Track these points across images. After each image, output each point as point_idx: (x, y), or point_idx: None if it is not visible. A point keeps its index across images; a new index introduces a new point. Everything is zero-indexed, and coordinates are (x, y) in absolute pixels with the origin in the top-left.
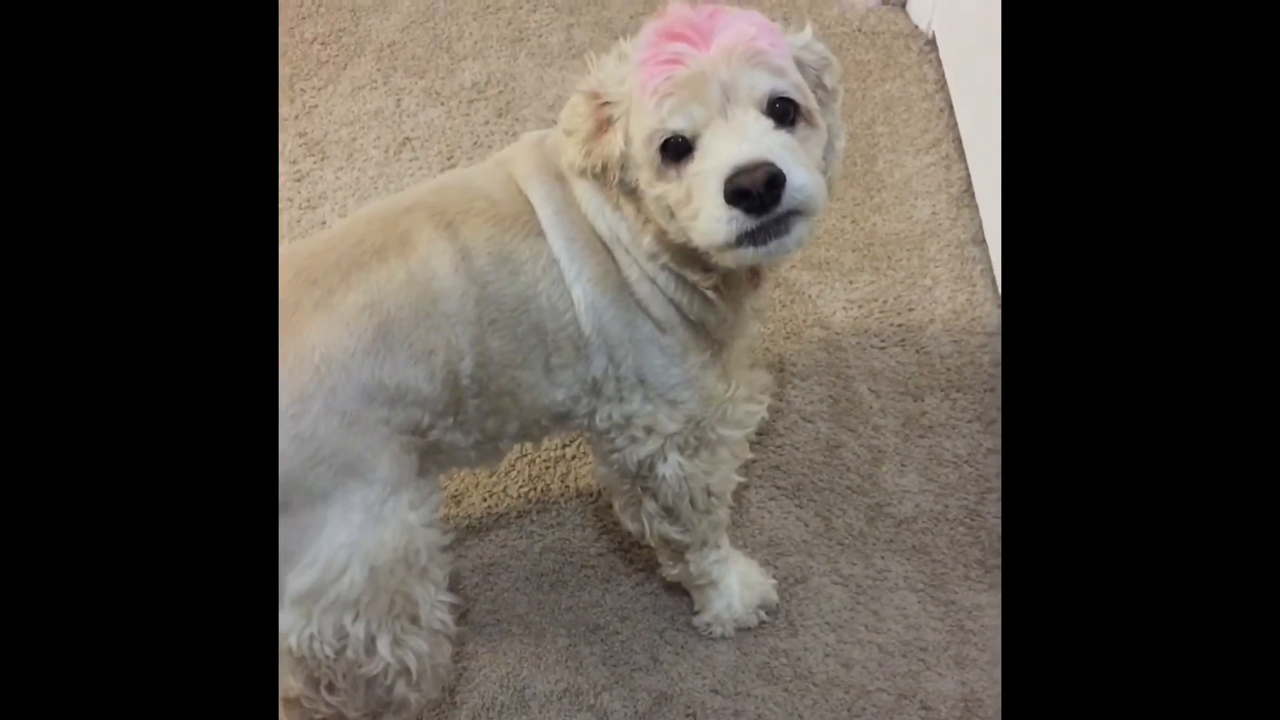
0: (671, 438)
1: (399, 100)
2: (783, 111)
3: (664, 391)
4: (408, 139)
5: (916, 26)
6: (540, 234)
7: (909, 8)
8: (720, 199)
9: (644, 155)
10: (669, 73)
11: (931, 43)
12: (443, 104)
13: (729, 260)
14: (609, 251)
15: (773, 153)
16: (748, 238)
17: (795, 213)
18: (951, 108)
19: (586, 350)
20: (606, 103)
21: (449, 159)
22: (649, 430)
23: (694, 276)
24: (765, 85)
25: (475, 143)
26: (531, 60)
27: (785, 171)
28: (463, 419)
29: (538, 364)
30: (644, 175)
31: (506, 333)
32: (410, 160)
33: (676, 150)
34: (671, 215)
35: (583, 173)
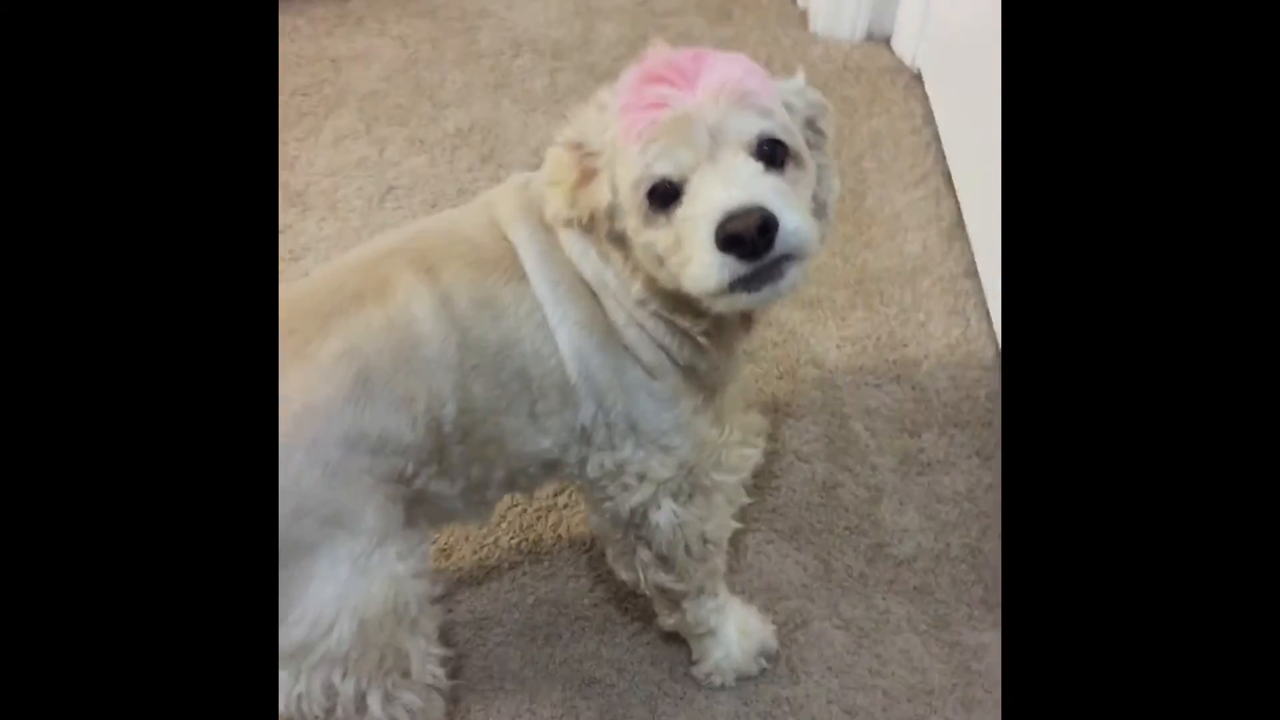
0: (664, 484)
1: (382, 149)
2: (771, 153)
3: (656, 437)
4: (391, 188)
5: (901, 61)
6: (524, 278)
7: (893, 43)
8: (711, 245)
9: (631, 202)
10: (653, 117)
11: (917, 77)
12: (426, 152)
13: (721, 306)
14: (595, 296)
15: (764, 197)
16: (740, 283)
17: (788, 257)
18: (939, 141)
19: (574, 397)
20: (590, 153)
21: (433, 207)
22: (641, 477)
23: (684, 322)
24: (754, 127)
25: (459, 189)
26: (515, 106)
27: (778, 216)
28: (447, 466)
29: (522, 410)
30: (631, 222)
31: (489, 378)
32: (394, 209)
33: (664, 196)
34: (661, 262)
35: (569, 223)
